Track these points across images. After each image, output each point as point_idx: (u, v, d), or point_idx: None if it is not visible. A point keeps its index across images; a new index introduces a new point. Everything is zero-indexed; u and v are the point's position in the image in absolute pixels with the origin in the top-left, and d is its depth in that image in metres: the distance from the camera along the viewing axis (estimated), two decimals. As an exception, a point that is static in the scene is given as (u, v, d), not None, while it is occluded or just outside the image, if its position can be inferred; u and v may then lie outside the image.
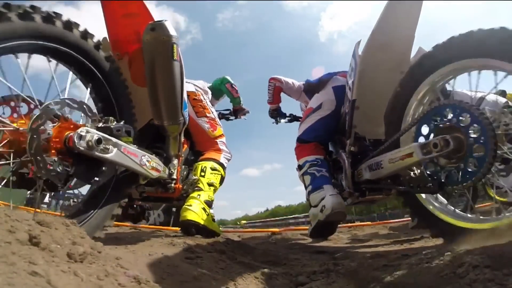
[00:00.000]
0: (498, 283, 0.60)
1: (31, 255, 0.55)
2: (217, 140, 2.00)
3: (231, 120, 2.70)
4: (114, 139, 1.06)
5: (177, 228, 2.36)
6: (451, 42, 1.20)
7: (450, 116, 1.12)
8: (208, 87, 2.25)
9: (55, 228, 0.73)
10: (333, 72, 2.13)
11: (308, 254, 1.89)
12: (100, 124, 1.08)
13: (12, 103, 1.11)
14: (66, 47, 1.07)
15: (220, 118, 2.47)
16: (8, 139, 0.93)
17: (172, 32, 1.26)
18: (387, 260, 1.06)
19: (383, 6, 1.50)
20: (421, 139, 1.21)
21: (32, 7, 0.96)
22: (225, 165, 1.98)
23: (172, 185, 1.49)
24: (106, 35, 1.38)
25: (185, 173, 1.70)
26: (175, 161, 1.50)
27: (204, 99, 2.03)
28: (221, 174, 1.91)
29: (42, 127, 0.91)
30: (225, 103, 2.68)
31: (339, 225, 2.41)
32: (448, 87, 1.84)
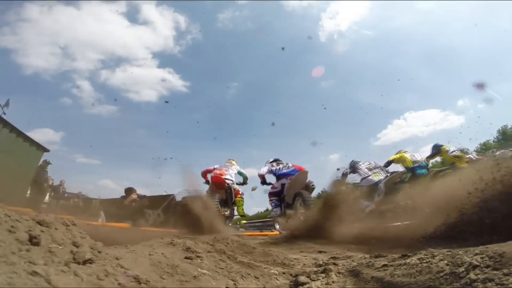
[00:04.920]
0: (498, 283, 0.60)
1: (31, 255, 0.55)
2: (240, 193, 5.29)
3: (240, 186, 5.83)
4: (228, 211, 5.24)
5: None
6: None
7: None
8: (238, 170, 5.52)
9: (55, 228, 0.73)
10: (289, 170, 5.05)
11: (308, 254, 1.90)
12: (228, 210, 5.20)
13: None
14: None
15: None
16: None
17: (235, 187, 5.23)
18: (387, 260, 1.05)
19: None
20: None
21: None
22: (243, 198, 5.37)
23: (230, 214, 5.30)
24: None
25: (233, 206, 5.24)
26: (232, 206, 5.25)
27: (235, 188, 5.18)
28: (243, 203, 5.33)
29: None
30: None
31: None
32: (359, 164, 5.99)
